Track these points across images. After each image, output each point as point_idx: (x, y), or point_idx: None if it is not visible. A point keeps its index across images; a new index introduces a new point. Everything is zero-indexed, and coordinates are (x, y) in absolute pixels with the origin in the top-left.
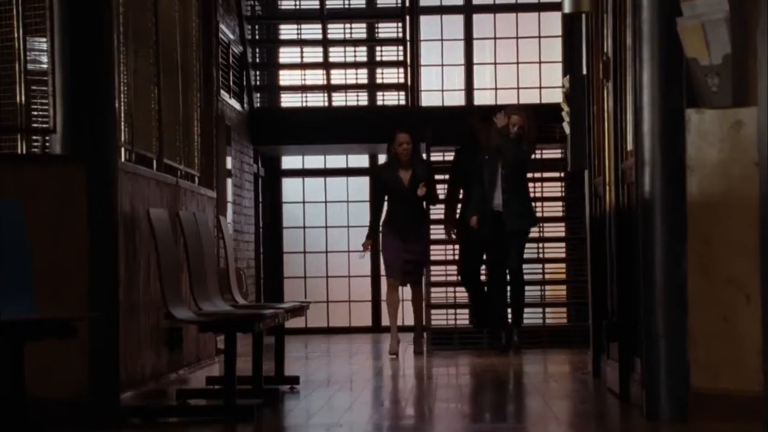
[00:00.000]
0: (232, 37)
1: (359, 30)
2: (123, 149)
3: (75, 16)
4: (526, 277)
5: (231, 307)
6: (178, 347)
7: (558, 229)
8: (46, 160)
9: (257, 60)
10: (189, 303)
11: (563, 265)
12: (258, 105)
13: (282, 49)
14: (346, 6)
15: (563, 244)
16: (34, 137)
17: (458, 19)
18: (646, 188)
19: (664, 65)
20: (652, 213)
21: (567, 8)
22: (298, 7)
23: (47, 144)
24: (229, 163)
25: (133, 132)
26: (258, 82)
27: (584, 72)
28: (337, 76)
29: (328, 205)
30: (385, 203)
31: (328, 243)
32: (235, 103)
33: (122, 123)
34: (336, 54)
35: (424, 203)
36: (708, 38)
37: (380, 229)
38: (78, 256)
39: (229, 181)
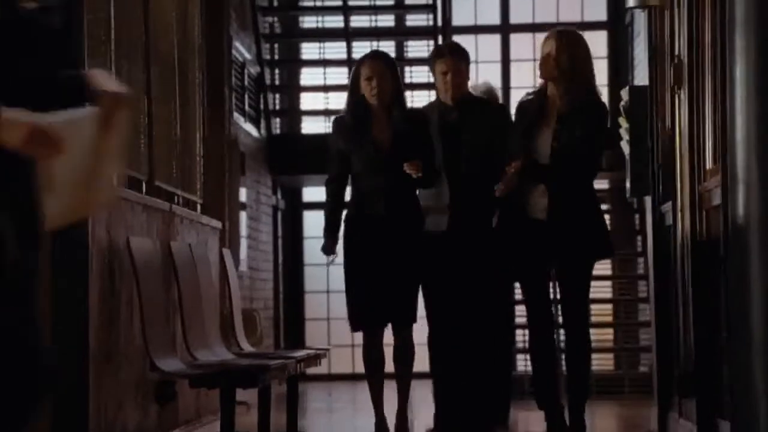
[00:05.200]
0: (248, 56)
1: (387, 49)
2: None
3: None
4: None
5: (234, 355)
6: (172, 402)
7: (604, 266)
8: None
9: (276, 82)
10: (182, 351)
11: (609, 306)
12: (277, 131)
13: (303, 70)
14: (373, 24)
15: (609, 283)
16: None
17: (494, 39)
18: (739, 212)
19: (764, 58)
20: (746, 242)
21: (631, 1)
22: (321, 25)
23: None
24: (243, 194)
25: None
26: (277, 106)
27: (642, 82)
28: None
29: None
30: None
31: None
32: (251, 128)
33: None
34: None
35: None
36: None
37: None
38: None
39: (244, 214)
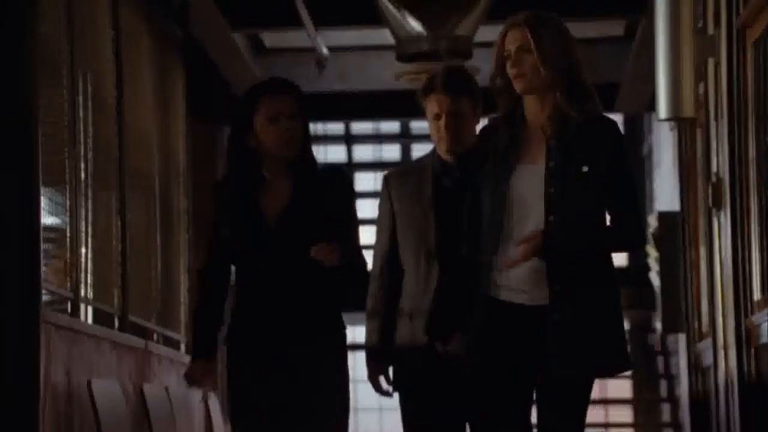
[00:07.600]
0: None
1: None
2: (69, 302)
3: None
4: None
5: None
6: None
7: (624, 412)
8: None
9: None
10: None
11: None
12: None
13: None
14: (378, 156)
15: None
16: None
17: None
18: None
19: None
20: None
21: (663, 114)
22: (324, 156)
23: None
24: None
25: (78, 276)
26: None
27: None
28: (369, 234)
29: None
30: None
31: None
32: None
33: (64, 263)
34: (367, 207)
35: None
36: None
37: (222, 342)
38: None
39: None
